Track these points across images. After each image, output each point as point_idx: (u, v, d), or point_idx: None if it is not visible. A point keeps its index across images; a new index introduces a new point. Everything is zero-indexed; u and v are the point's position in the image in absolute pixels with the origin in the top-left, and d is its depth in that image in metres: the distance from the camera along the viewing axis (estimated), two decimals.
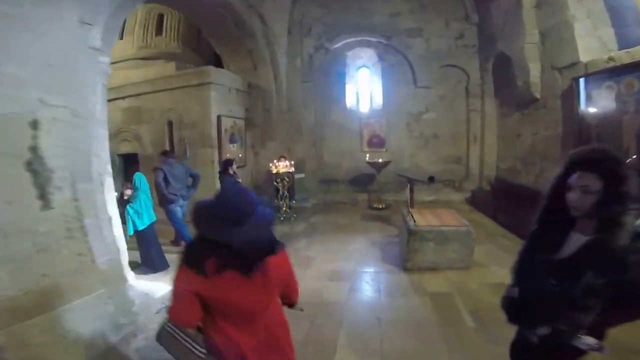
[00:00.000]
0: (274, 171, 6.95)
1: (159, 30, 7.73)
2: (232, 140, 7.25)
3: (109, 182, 3.27)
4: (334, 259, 4.81)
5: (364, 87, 9.66)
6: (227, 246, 1.28)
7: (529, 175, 6.64)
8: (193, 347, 1.35)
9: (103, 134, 3.21)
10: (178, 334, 1.34)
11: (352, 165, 9.34)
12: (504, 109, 7.92)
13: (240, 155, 7.58)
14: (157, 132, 7.08)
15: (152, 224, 4.52)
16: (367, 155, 8.84)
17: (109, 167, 3.38)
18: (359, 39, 8.94)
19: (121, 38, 7.79)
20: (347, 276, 4.22)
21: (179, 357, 1.34)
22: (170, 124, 6.90)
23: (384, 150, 9.18)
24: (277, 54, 7.82)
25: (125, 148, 7.55)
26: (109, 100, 7.57)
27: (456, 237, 4.11)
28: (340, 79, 9.31)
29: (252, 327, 1.42)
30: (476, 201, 8.11)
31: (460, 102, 8.88)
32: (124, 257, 3.42)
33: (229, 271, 1.30)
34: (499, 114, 8.23)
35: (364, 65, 9.63)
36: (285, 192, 7.20)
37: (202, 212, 1.37)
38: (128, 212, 4.18)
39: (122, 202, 4.13)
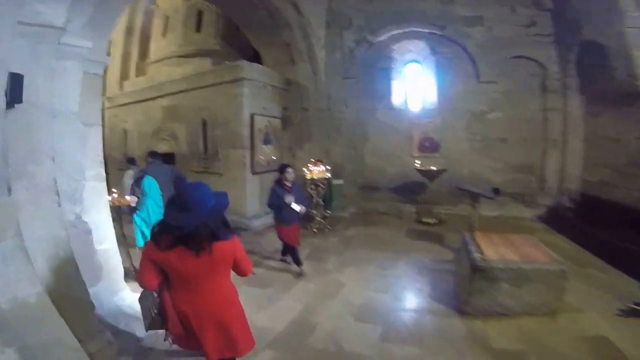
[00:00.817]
0: (308, 177, 6.32)
1: (198, 26, 7.57)
2: (266, 141, 6.79)
3: (99, 188, 2.86)
4: (367, 288, 4.04)
5: (414, 84, 8.64)
6: (178, 227, 1.71)
7: (630, 190, 5.19)
8: (151, 307, 1.89)
9: (77, 129, 2.71)
10: (147, 296, 1.91)
11: (398, 170, 8.39)
12: (593, 107, 6.45)
13: (273, 157, 7.10)
14: (192, 131, 6.90)
15: None
16: (417, 161, 7.82)
17: (98, 171, 2.97)
18: (406, 30, 7.98)
19: (164, 35, 7.79)
20: (380, 316, 3.41)
21: (143, 314, 1.92)
22: (204, 122, 6.65)
23: (437, 155, 8.08)
24: (314, 47, 7.25)
25: (164, 147, 7.50)
26: (152, 99, 7.83)
27: (542, 278, 3.10)
28: (386, 75, 8.42)
29: (193, 296, 1.82)
30: (553, 220, 6.70)
31: (532, 100, 7.47)
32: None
33: (179, 247, 1.72)
34: (586, 114, 6.75)
35: (413, 60, 8.61)
36: (320, 199, 6.52)
37: (169, 201, 1.82)
38: (135, 222, 3.81)
39: (132, 209, 3.78)
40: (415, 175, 7.68)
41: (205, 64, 6.74)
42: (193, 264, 1.71)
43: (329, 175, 6.47)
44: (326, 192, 6.79)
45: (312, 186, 6.53)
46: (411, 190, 8.36)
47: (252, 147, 6.38)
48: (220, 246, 1.76)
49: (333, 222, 6.98)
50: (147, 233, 3.90)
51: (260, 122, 6.58)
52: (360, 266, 4.74)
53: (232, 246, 1.84)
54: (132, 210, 3.82)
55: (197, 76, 6.60)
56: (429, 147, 8.22)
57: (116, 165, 8.47)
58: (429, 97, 8.53)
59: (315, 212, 6.57)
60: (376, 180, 8.59)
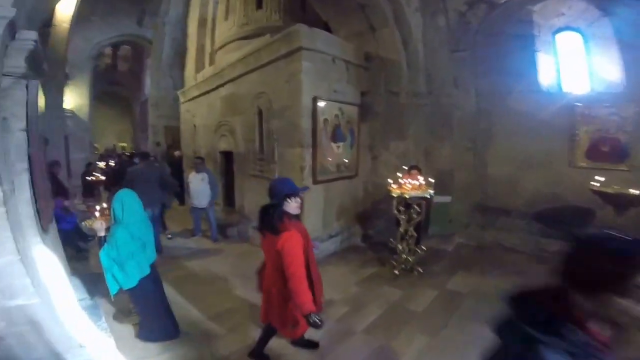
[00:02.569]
0: (396, 193, 4.24)
1: (259, 3, 6.35)
2: (336, 137, 5.05)
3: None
4: None
5: (573, 59, 5.54)
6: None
7: None
8: None
9: None
10: None
11: (545, 188, 5.52)
12: None
13: (345, 160, 5.26)
14: (248, 125, 5.68)
15: (148, 277, 2.75)
16: (599, 177, 4.79)
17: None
18: None
19: (226, 18, 6.87)
20: None
21: None
22: (260, 112, 5.31)
23: (624, 167, 4.88)
24: (404, 9, 5.07)
25: (223, 144, 6.56)
26: (214, 89, 6.93)
27: None
28: (523, 46, 5.57)
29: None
30: None
31: None
32: None
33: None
34: None
35: (567, 27, 5.53)
36: (412, 229, 4.40)
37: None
38: (101, 262, 2.53)
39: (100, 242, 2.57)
40: (578, 197, 4.81)
41: (263, 40, 5.41)
42: (263, 243, 2.35)
43: (430, 192, 4.24)
44: (424, 217, 4.61)
45: (401, 208, 4.43)
46: (567, 220, 5.31)
47: (315, 145, 4.70)
48: (270, 237, 2.24)
49: (428, 259, 4.83)
50: (120, 277, 2.62)
51: (328, 110, 4.86)
52: None
53: (277, 241, 2.18)
54: (100, 242, 2.57)
55: (253, 55, 5.33)
56: (609, 153, 5.06)
57: (190, 164, 8.07)
58: (608, 75, 5.28)
59: (400, 245, 4.45)
60: (505, 201, 5.85)
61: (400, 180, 4.30)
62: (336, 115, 5.06)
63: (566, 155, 5.42)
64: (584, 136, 5.33)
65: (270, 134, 5.12)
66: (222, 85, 6.39)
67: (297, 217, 2.36)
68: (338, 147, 5.19)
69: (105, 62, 17.65)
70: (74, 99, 13.98)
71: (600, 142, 5.25)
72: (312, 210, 4.90)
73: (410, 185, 4.23)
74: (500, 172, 5.93)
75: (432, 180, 4.35)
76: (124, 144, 22.62)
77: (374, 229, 5.86)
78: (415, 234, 4.47)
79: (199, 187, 5.73)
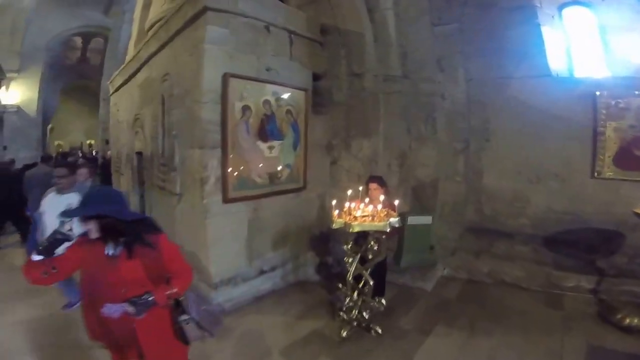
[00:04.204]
0: (338, 224, 2.84)
1: None
2: (265, 134, 3.65)
3: None
4: None
5: (583, 38, 4.28)
6: None
7: None
8: None
9: None
10: None
11: (559, 203, 4.28)
12: None
13: (284, 167, 3.90)
14: (154, 117, 4.28)
15: None
16: (618, 187, 3.51)
17: None
18: None
19: None
20: None
21: None
22: (163, 102, 3.93)
23: None
24: None
25: (138, 144, 5.20)
26: (133, 75, 5.08)
27: None
28: (524, 20, 4.21)
29: None
30: None
31: None
32: None
33: None
34: None
35: (575, 1, 4.24)
36: (365, 273, 3.02)
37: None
38: None
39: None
40: (607, 217, 3.90)
41: (173, 7, 4.02)
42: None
43: (394, 222, 2.83)
44: (384, 257, 3.24)
45: (350, 241, 3.07)
46: (588, 245, 4.05)
47: (225, 145, 3.29)
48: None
49: (396, 306, 3.60)
50: None
51: (253, 95, 3.50)
52: None
53: None
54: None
55: (163, 27, 3.94)
56: None
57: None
58: (633, 57, 4.03)
59: (349, 296, 3.09)
60: (505, 220, 4.56)
61: (347, 204, 2.90)
62: (266, 102, 3.69)
63: (588, 162, 4.07)
64: (612, 135, 4.00)
65: (170, 129, 3.74)
66: (139, 69, 5.04)
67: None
68: (270, 148, 3.81)
69: (75, 55, 16.47)
70: (22, 92, 12.66)
71: (634, 143, 3.93)
72: (221, 242, 3.52)
73: (362, 212, 2.84)
74: (500, 182, 4.58)
75: (396, 202, 2.97)
76: (92, 141, 21.23)
77: (334, 255, 4.49)
78: (371, 281, 3.07)
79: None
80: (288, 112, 3.99)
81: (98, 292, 1.65)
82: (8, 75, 11.26)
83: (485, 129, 4.58)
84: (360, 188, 3.26)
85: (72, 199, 2.94)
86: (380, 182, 3.44)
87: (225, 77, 3.28)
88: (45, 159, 6.80)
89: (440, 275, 4.48)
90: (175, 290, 1.75)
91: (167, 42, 3.99)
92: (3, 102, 11.66)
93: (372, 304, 3.14)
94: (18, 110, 12.60)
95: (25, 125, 12.87)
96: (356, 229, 2.76)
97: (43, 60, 12.46)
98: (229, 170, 3.44)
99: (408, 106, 4.64)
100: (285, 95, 3.93)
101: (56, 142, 21.36)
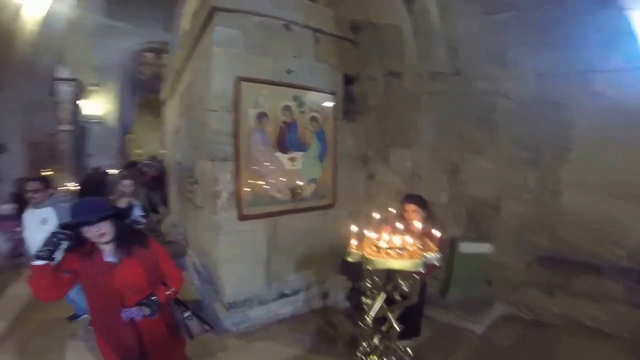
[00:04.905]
0: (354, 258, 2.31)
1: None
2: (285, 144, 3.33)
3: None
4: None
5: None
6: None
7: None
8: None
9: None
10: None
11: None
12: None
13: (307, 182, 3.55)
14: (185, 127, 4.27)
15: None
16: None
17: None
18: None
19: None
20: None
21: None
22: (188, 110, 3.86)
23: None
24: None
25: (178, 154, 5.29)
26: (176, 83, 5.20)
27: None
28: (605, 3, 3.18)
29: None
30: None
31: None
32: None
33: None
34: None
35: None
36: (391, 316, 2.47)
37: None
38: None
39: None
40: None
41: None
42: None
43: (433, 258, 2.24)
44: (420, 296, 2.67)
45: (370, 281, 2.58)
46: None
47: (238, 157, 3.03)
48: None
49: (434, 349, 3.05)
50: None
51: (270, 100, 3.20)
52: None
53: None
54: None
55: (188, 35, 3.89)
56: None
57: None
58: None
59: (367, 341, 2.58)
60: (590, 249, 3.60)
61: (368, 234, 2.39)
62: (286, 108, 3.36)
63: None
64: None
65: (190, 138, 3.63)
66: (177, 80, 5.13)
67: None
68: (291, 160, 3.46)
69: (149, 70, 18.19)
70: (103, 105, 14.31)
71: None
72: (239, 260, 3.26)
73: (388, 243, 2.30)
74: (584, 201, 3.62)
75: (438, 234, 2.40)
76: (165, 151, 23.23)
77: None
78: (397, 327, 2.50)
79: (36, 235, 2.84)
80: (313, 119, 3.61)
81: (103, 302, 1.70)
82: (88, 88, 12.68)
83: (563, 135, 3.66)
84: (391, 209, 2.73)
85: (47, 213, 3.00)
86: (420, 202, 2.84)
87: (237, 82, 3.03)
88: (129, 166, 7.38)
89: (496, 315, 3.66)
90: (173, 289, 1.89)
91: (191, 50, 3.91)
92: (86, 113, 13.17)
93: (397, 351, 2.56)
94: (100, 121, 14.24)
95: (106, 135, 14.46)
96: (376, 267, 2.23)
97: (118, 75, 13.85)
98: (242, 185, 3.17)
99: (459, 108, 3.93)
100: (309, 100, 3.57)
101: (136, 151, 23.90)
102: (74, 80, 11.32)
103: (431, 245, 2.33)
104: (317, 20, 3.65)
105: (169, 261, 1.96)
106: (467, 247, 3.71)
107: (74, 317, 3.44)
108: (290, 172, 3.49)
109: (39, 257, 1.52)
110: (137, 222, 3.30)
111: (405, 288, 2.40)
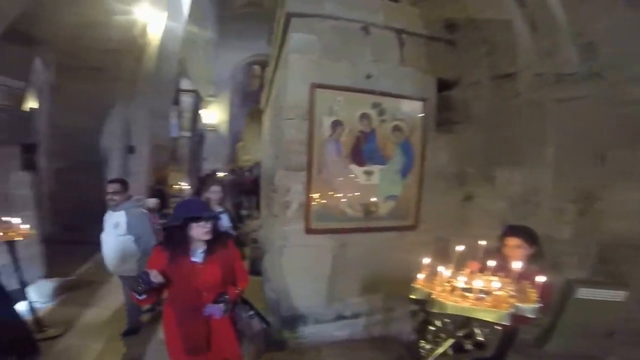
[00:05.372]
0: (419, 295, 1.90)
1: None
2: (361, 156, 3.06)
3: None
4: None
5: None
6: None
7: None
8: None
9: None
10: None
11: None
12: None
13: (378, 199, 3.17)
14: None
15: None
16: None
17: None
18: None
19: None
20: None
21: None
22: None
23: None
24: None
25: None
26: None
27: None
28: None
29: None
30: None
31: None
32: None
33: None
34: None
35: None
36: None
37: None
38: None
39: None
40: None
41: None
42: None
43: (528, 308, 1.68)
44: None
45: (434, 326, 2.08)
46: None
47: (310, 168, 2.86)
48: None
49: None
50: None
51: (346, 108, 2.96)
52: None
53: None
54: None
55: (275, 44, 4.00)
56: None
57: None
58: None
59: None
60: None
61: (442, 271, 1.90)
62: (364, 117, 3.04)
63: None
64: None
65: (274, 147, 3.61)
66: (270, 90, 5.32)
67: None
68: (368, 173, 3.12)
69: (257, 82, 20.11)
70: (218, 115, 16.29)
71: None
72: (301, 275, 3.10)
73: (468, 283, 1.79)
74: None
75: (543, 280, 1.81)
76: None
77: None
78: None
79: (108, 238, 3.12)
80: (396, 128, 3.20)
81: (184, 298, 1.82)
82: (206, 99, 14.49)
83: None
84: (483, 242, 2.16)
85: (120, 218, 3.03)
86: (527, 236, 2.24)
87: (311, 89, 2.86)
88: (235, 171, 8.20)
89: None
90: (240, 288, 1.99)
91: (277, 60, 3.94)
92: (203, 122, 15.08)
93: None
94: (214, 129, 16.18)
95: (219, 142, 16.33)
96: (444, 311, 1.74)
97: (230, 87, 15.48)
98: (312, 196, 2.96)
99: (600, 120, 3.01)
100: (392, 108, 3.18)
101: (244, 157, 26.58)
102: (193, 91, 13.02)
103: (530, 292, 1.76)
104: (400, 20, 3.29)
105: (241, 261, 2.12)
106: (587, 292, 2.78)
107: (128, 333, 3.31)
108: (364, 187, 3.16)
109: (135, 292, 1.71)
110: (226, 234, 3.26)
111: (481, 338, 1.86)
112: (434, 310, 1.76)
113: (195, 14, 9.02)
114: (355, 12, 3.11)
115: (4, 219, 3.05)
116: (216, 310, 1.80)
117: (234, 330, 1.98)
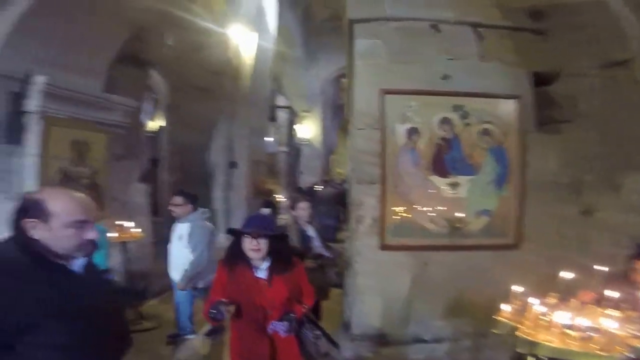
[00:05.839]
0: (503, 330, 1.69)
1: None
2: (443, 165, 2.85)
3: None
4: None
5: None
6: None
7: None
8: None
9: None
10: None
11: None
12: None
13: (463, 214, 2.87)
14: None
15: None
16: None
17: None
18: None
19: None
20: None
21: None
22: None
23: None
24: None
25: None
26: None
27: None
28: None
29: None
30: None
31: None
32: None
33: None
34: None
35: None
36: None
37: None
38: None
39: None
40: None
41: None
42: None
43: None
44: None
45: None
46: None
47: (384, 179, 2.77)
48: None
49: None
50: None
51: (421, 113, 2.79)
52: None
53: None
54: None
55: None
56: None
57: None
58: None
59: None
60: None
61: (533, 302, 1.59)
62: (445, 122, 2.78)
63: None
64: None
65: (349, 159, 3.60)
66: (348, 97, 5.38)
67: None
68: (453, 185, 2.83)
69: (345, 95, 20.50)
70: (311, 129, 17.11)
71: None
72: (374, 292, 2.94)
73: (571, 320, 1.45)
74: None
75: None
76: None
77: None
78: None
79: (173, 249, 3.35)
80: (485, 132, 2.84)
81: (247, 314, 1.80)
82: (300, 114, 15.28)
83: None
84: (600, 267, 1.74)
85: (184, 230, 3.18)
86: None
87: (380, 95, 2.74)
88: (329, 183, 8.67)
89: None
90: (306, 306, 1.96)
91: (348, 69, 3.94)
92: (298, 136, 15.96)
93: None
94: (308, 143, 16.98)
95: (313, 155, 17.05)
96: (536, 352, 1.42)
97: (321, 101, 16.06)
98: (387, 211, 2.83)
99: None
100: (478, 109, 2.84)
101: (338, 170, 27.13)
102: (288, 107, 13.90)
103: None
104: (473, 13, 2.96)
105: (306, 279, 2.03)
106: None
107: (174, 336, 3.35)
108: (449, 201, 2.86)
109: (213, 319, 1.76)
110: (319, 256, 3.00)
111: None
112: (520, 351, 1.46)
113: (282, 32, 9.64)
114: (420, 10, 2.94)
115: (118, 222, 3.58)
116: (281, 327, 1.74)
117: (299, 350, 1.92)
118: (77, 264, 1.11)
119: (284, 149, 14.61)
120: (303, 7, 11.21)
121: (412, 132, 2.81)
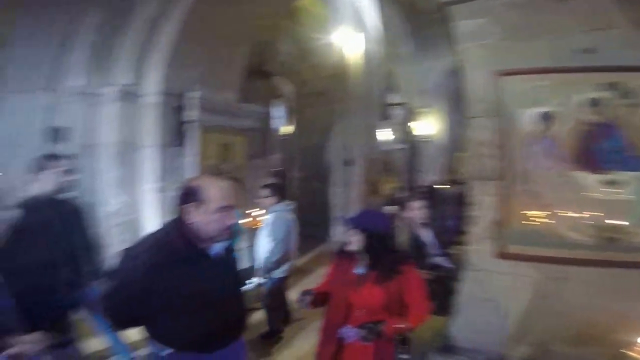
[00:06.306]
0: None
1: None
2: (593, 157, 2.32)
3: None
4: None
5: None
6: None
7: None
8: None
9: None
10: None
11: None
12: None
13: (625, 222, 2.25)
14: None
15: None
16: None
17: None
18: None
19: None
20: None
21: None
22: None
23: None
24: None
25: None
26: None
27: None
28: None
29: None
30: None
31: None
32: None
33: None
34: None
35: None
36: None
37: None
38: None
39: None
40: None
41: None
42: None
43: None
44: None
45: None
46: None
47: (505, 176, 2.41)
48: None
49: None
50: None
51: (556, 94, 2.30)
52: None
53: None
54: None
55: None
56: None
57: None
58: None
59: None
60: None
61: None
62: (593, 103, 2.19)
63: None
64: None
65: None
66: None
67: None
68: (610, 184, 2.22)
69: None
70: (432, 125, 16.13)
71: None
72: (482, 304, 2.56)
73: None
74: None
75: None
76: None
77: None
78: None
79: (259, 237, 3.46)
80: None
81: (335, 311, 1.74)
82: (417, 110, 14.57)
83: None
84: None
85: (267, 221, 3.31)
86: None
87: (496, 77, 2.33)
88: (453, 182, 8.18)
89: None
90: (406, 325, 1.67)
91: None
92: (416, 133, 15.26)
93: None
94: (428, 140, 16.04)
95: (435, 153, 16.07)
96: None
97: (444, 95, 14.91)
98: (509, 212, 2.40)
99: None
100: None
101: (463, 168, 24.92)
102: (403, 104, 13.50)
103: None
104: None
105: (419, 291, 1.75)
106: None
107: (268, 335, 3.36)
108: (603, 204, 2.25)
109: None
110: (436, 267, 2.45)
111: None
112: None
113: (389, 29, 9.47)
114: None
115: (249, 211, 3.91)
116: (350, 334, 1.61)
117: None
118: (217, 248, 1.27)
119: (400, 146, 14.22)
120: (407, 2, 10.92)
121: (545, 117, 2.30)
